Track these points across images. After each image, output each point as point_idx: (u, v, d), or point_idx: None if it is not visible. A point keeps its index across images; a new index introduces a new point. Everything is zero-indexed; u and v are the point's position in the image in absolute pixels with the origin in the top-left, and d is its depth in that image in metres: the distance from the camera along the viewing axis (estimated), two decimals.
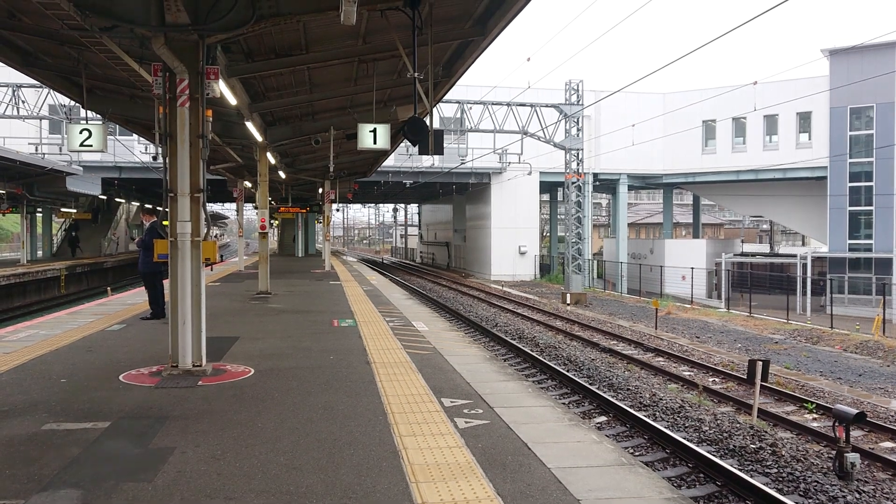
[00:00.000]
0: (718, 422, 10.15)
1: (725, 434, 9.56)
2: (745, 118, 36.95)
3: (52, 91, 23.27)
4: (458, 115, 31.31)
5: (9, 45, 9.62)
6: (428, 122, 9.05)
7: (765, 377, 10.72)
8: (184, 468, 4.25)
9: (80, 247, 37.97)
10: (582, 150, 30.66)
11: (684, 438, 9.10)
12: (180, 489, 3.93)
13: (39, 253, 39.67)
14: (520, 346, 16.13)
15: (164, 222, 7.00)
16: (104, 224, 42.35)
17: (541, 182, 40.54)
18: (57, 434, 4.90)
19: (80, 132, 9.09)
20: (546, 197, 51.28)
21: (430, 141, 8.95)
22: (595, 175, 40.14)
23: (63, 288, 28.86)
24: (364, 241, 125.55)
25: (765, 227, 62.95)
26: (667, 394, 12.05)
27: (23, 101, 27.69)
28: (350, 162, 24.41)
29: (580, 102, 30.33)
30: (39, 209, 38.59)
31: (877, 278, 30.57)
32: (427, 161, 37.87)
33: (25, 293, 25.63)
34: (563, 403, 11.23)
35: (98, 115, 14.31)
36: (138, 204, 44.09)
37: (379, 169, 30.81)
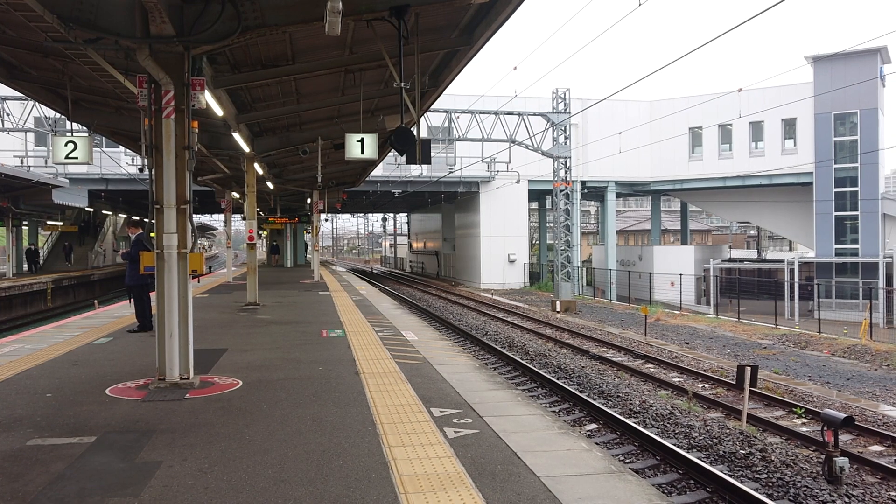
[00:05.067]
0: (708, 428, 10.17)
1: (715, 440, 9.59)
2: (731, 125, 37.24)
3: (37, 103, 23.18)
4: (446, 125, 31.38)
5: None
6: (415, 132, 9.06)
7: (754, 382, 10.76)
8: (170, 482, 4.21)
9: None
10: (570, 157, 30.78)
11: (674, 445, 9.11)
12: None
13: (25, 266, 39.32)
14: (510, 354, 16.12)
15: (151, 234, 6.96)
16: (90, 237, 41.92)
17: (529, 190, 40.66)
18: (42, 449, 4.84)
19: (66, 144, 9.01)
20: (535, 205, 51.43)
21: (417, 150, 8.95)
22: (583, 183, 40.31)
23: (50, 301, 28.63)
24: (353, 251, 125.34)
25: (752, 232, 63.34)
26: (657, 400, 12.07)
27: (8, 114, 27.53)
28: (338, 172, 24.39)
29: (567, 111, 30.49)
30: (25, 222, 38.27)
31: (863, 282, 30.81)
32: (416, 170, 37.93)
33: (11, 307, 25.39)
34: (553, 411, 11.23)
35: (84, 127, 14.25)
36: (125, 216, 43.83)
37: (367, 178, 30.82)
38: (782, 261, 37.15)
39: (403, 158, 9.35)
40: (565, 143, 30.40)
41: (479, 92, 36.45)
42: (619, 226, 58.45)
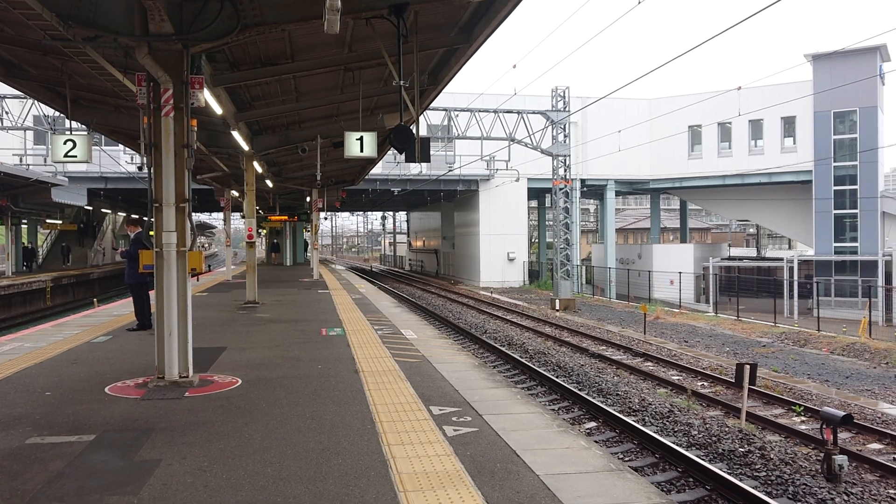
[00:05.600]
0: (707, 426, 10.17)
1: (714, 438, 9.59)
2: (730, 123, 37.24)
3: (36, 102, 23.14)
4: (446, 123, 31.35)
5: None
6: (414, 130, 9.05)
7: (753, 380, 10.76)
8: (170, 481, 4.21)
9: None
10: (569, 156, 30.77)
11: (673, 443, 9.11)
12: (166, 502, 3.89)
13: (23, 265, 39.27)
14: (509, 352, 16.12)
15: (150, 233, 6.95)
16: (88, 238, 41.76)
17: (529, 188, 40.65)
18: (41, 448, 4.84)
19: (65, 143, 9.01)
20: (534, 203, 51.42)
21: (416, 149, 8.95)
22: (582, 181, 40.30)
23: (49, 300, 28.61)
24: (353, 250, 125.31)
25: (752, 231, 63.38)
26: (656, 398, 12.07)
27: (7, 112, 27.50)
28: (338, 170, 24.38)
29: (567, 109, 30.46)
30: (24, 220, 38.24)
31: (862, 281, 30.82)
32: (415, 168, 37.89)
33: (10, 306, 25.39)
34: (552, 409, 11.23)
35: (83, 126, 14.23)
36: (124, 214, 43.77)
37: (367, 177, 30.80)
38: (781, 259, 37.17)
39: (403, 157, 9.34)
40: (564, 142, 30.39)
41: (478, 90, 36.43)
42: (619, 224, 58.46)
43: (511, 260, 40.89)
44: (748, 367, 10.62)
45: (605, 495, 4.10)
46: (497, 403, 6.24)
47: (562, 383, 12.67)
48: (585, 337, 19.91)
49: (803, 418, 11.22)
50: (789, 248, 55.15)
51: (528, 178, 38.28)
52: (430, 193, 43.52)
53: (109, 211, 44.00)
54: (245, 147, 14.46)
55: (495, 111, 30.19)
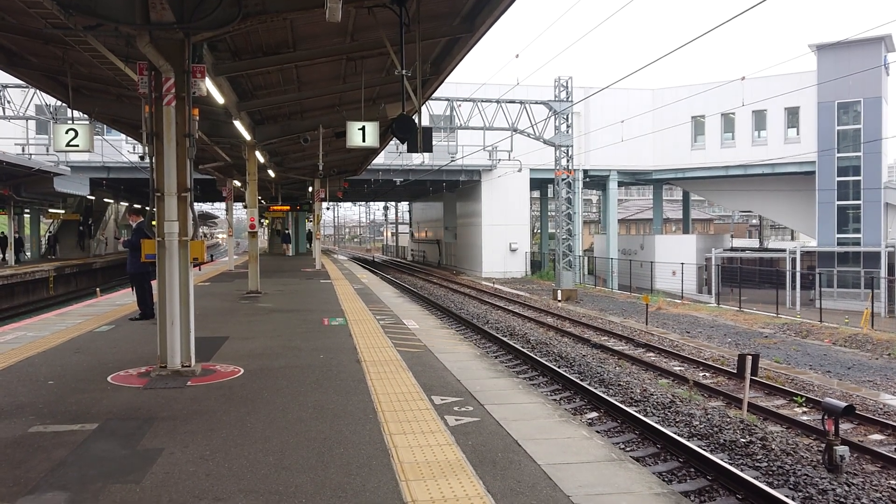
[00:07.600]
0: (709, 416, 10.19)
1: (716, 428, 9.60)
2: (733, 114, 37.06)
3: (38, 91, 23.12)
4: (448, 113, 31.27)
5: None
6: (416, 120, 9.03)
7: (755, 371, 10.77)
8: (172, 469, 4.23)
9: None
10: (572, 146, 30.69)
11: (675, 433, 9.13)
12: (168, 490, 3.91)
13: (28, 254, 39.32)
14: (511, 342, 16.14)
15: (152, 222, 6.95)
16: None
17: (531, 179, 40.55)
18: (44, 436, 4.86)
19: (67, 132, 9.01)
20: (536, 194, 51.31)
21: (418, 138, 8.93)
22: (585, 171, 40.20)
23: (52, 289, 28.67)
24: (355, 240, 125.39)
25: (754, 222, 63.26)
26: (658, 389, 12.09)
27: (8, 102, 27.47)
28: (340, 160, 24.34)
29: (569, 99, 30.36)
30: (27, 210, 38.24)
31: (865, 272, 30.74)
32: (417, 159, 37.83)
33: (13, 295, 25.44)
34: (554, 400, 11.25)
35: (85, 115, 14.21)
36: (127, 204, 43.72)
37: (369, 167, 30.75)
38: (784, 250, 37.07)
39: (405, 147, 9.33)
40: (567, 132, 30.32)
41: (480, 80, 36.35)
42: (621, 215, 58.40)
43: (513, 250, 40.86)
44: (750, 357, 10.63)
45: (606, 485, 4.11)
46: (499, 393, 6.25)
47: (563, 373, 12.69)
48: (587, 327, 19.92)
49: (805, 409, 11.23)
50: (792, 239, 55.05)
51: (531, 169, 38.17)
52: (432, 184, 43.44)
53: (112, 201, 44.00)
54: (247, 137, 14.44)
55: (498, 101, 30.09)
